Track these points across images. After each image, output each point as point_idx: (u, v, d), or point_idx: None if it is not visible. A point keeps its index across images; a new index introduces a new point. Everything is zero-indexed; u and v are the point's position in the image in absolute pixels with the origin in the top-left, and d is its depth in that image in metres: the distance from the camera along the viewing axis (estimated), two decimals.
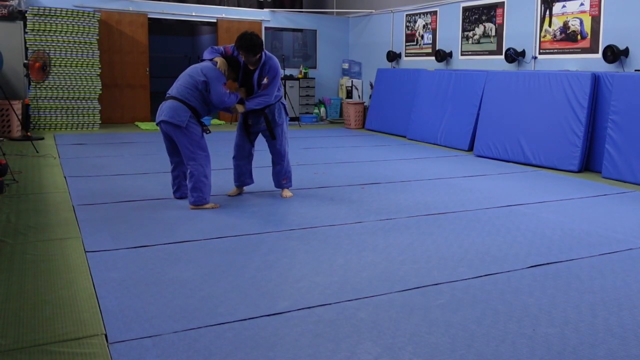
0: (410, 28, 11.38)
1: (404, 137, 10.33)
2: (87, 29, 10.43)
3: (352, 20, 13.34)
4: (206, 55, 5.21)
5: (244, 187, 5.70)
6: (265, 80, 5.19)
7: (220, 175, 6.43)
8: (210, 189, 5.09)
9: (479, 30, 9.66)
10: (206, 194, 5.03)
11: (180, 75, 5.17)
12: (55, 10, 10.19)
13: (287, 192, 5.59)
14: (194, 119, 4.98)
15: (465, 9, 9.95)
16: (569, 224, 4.70)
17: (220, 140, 9.33)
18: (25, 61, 9.53)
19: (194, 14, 12.06)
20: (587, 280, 3.44)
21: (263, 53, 5.21)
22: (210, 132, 5.18)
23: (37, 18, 10.08)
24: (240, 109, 5.24)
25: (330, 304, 3.04)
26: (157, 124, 5.08)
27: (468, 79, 9.07)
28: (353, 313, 2.93)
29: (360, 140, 9.92)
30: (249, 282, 3.33)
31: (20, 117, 9.16)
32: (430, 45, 10.82)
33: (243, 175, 5.59)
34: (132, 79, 11.63)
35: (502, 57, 9.10)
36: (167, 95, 5.08)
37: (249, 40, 5.05)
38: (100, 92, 10.68)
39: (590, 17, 7.74)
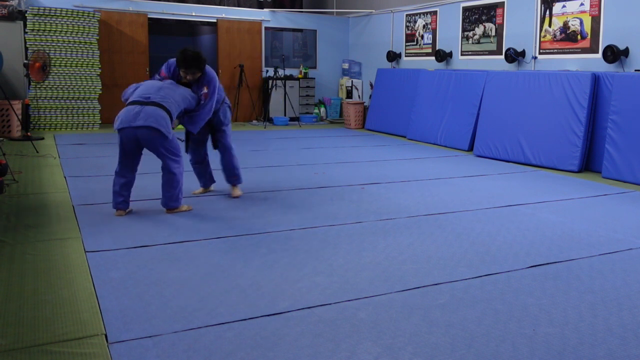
0: (410, 28, 11.38)
1: (404, 137, 10.33)
2: (87, 29, 10.44)
3: (352, 20, 13.33)
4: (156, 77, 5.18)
5: (211, 187, 5.77)
6: (205, 90, 5.03)
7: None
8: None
9: (479, 30, 9.66)
10: (181, 198, 4.97)
11: (154, 83, 4.94)
12: (55, 10, 10.19)
13: (237, 191, 5.52)
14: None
15: (465, 9, 9.94)
16: (569, 224, 4.70)
17: None
18: (25, 61, 9.53)
19: (194, 14, 12.06)
20: (587, 280, 3.44)
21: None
22: (183, 140, 5.20)
23: (37, 18, 10.08)
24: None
25: (330, 304, 3.04)
26: (134, 128, 4.60)
27: (468, 79, 9.07)
28: (353, 313, 2.93)
29: (360, 140, 9.92)
30: (249, 282, 3.33)
31: (20, 117, 9.16)
32: (430, 45, 10.82)
33: (203, 177, 5.67)
34: (132, 79, 11.56)
35: (502, 57, 9.11)
36: (146, 99, 4.72)
37: (192, 55, 4.93)
38: (100, 92, 10.68)
39: (590, 17, 7.74)
